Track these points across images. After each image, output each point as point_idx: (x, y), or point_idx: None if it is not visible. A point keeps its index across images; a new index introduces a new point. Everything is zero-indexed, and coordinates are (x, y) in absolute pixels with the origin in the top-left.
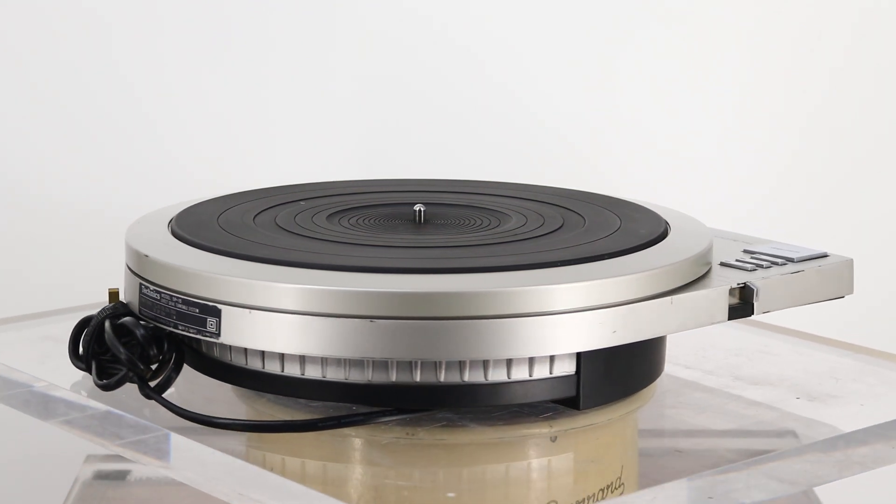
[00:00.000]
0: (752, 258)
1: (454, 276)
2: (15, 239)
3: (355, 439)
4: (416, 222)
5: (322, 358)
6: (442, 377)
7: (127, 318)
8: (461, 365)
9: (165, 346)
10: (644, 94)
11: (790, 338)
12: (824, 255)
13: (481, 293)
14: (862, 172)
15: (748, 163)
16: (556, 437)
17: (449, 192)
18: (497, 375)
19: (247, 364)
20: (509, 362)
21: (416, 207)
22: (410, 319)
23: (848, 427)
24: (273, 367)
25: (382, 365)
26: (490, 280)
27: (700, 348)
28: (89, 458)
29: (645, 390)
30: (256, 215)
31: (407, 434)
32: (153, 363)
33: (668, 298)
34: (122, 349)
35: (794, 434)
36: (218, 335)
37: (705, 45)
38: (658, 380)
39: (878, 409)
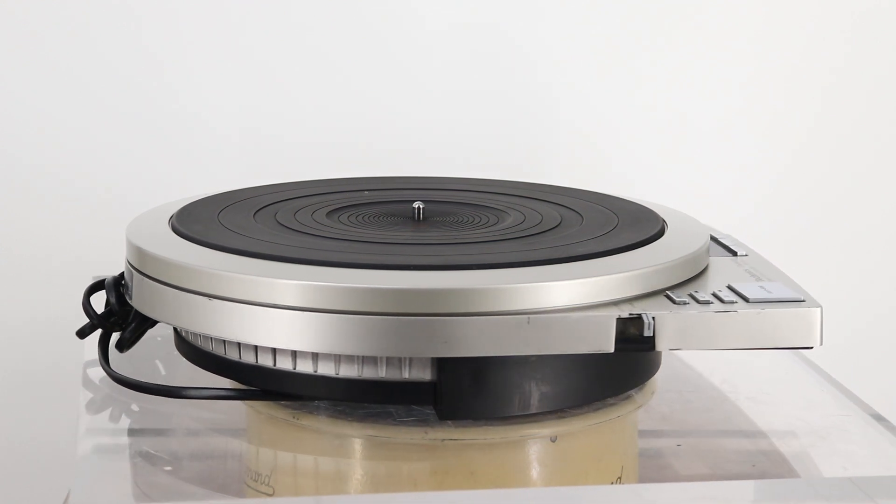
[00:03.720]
0: (711, 293)
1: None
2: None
3: (356, 439)
4: (415, 219)
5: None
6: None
7: (109, 278)
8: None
9: (132, 312)
10: (646, 94)
11: (823, 384)
12: (799, 301)
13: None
14: (865, 174)
15: (752, 164)
16: (556, 438)
17: (449, 189)
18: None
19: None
20: (361, 360)
21: (416, 205)
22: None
23: None
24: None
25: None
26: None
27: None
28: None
29: (645, 391)
30: (257, 211)
31: (404, 435)
32: (118, 323)
33: (524, 317)
34: (90, 304)
35: (794, 434)
36: None
37: (706, 43)
38: (659, 380)
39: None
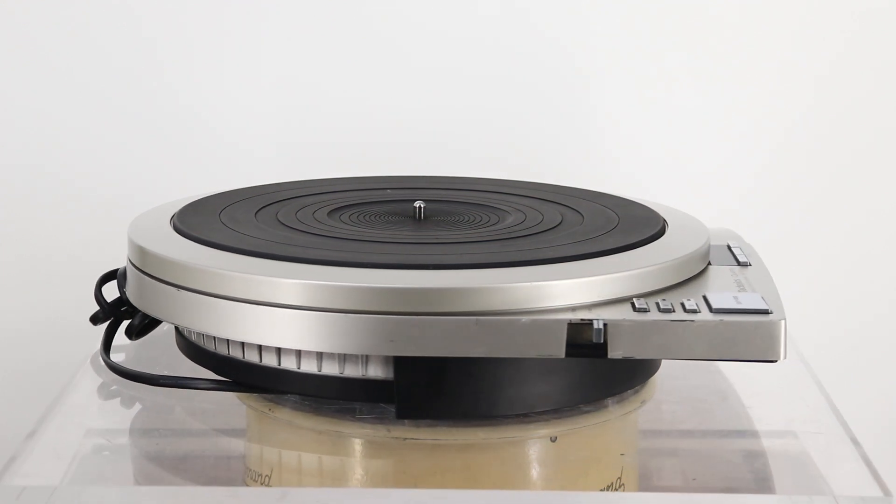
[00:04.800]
0: (680, 302)
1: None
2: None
3: (355, 439)
4: (416, 219)
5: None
6: None
7: (121, 268)
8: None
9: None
10: (652, 93)
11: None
12: (764, 312)
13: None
14: (870, 172)
15: (764, 163)
16: (556, 438)
17: (450, 189)
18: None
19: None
20: (320, 356)
21: (416, 204)
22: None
23: None
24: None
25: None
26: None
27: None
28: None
29: (645, 390)
30: (258, 210)
31: (405, 433)
32: (128, 311)
33: (472, 319)
34: (101, 293)
35: (794, 435)
36: None
37: (708, 43)
38: (659, 380)
39: None
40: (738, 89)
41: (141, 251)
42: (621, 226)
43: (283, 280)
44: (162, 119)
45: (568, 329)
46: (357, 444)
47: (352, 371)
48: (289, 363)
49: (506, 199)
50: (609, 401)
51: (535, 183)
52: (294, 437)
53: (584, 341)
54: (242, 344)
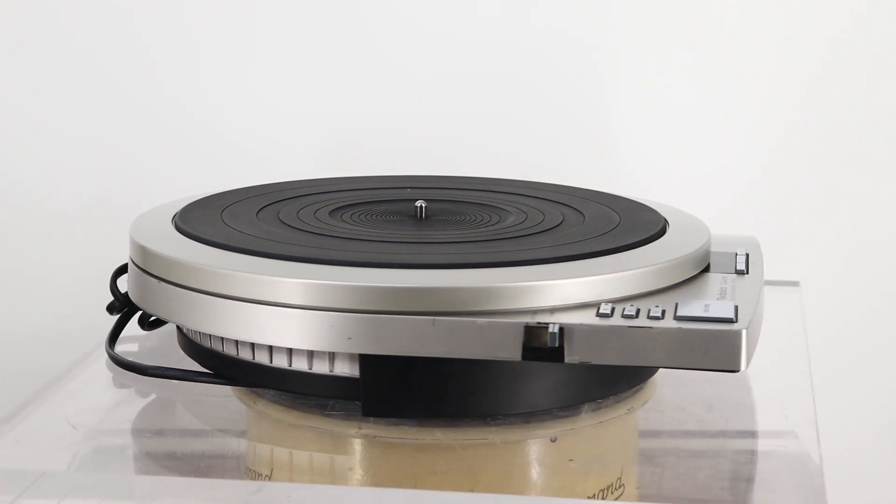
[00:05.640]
0: (648, 308)
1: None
2: None
3: (356, 439)
4: (417, 218)
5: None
6: None
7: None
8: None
9: None
10: (648, 93)
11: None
12: (725, 321)
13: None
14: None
15: (755, 165)
16: (556, 438)
17: (451, 188)
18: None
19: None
20: (290, 352)
21: (418, 204)
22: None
23: None
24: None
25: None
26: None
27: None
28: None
29: (645, 390)
30: (259, 210)
31: (405, 434)
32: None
33: (429, 318)
34: (116, 285)
35: (794, 434)
36: None
37: (707, 42)
38: (659, 380)
39: None
40: (738, 89)
41: (142, 250)
42: (619, 229)
43: (247, 275)
44: (162, 119)
45: (525, 332)
46: (326, 440)
47: (320, 367)
48: (262, 358)
49: (514, 200)
50: (608, 401)
51: (550, 184)
52: (274, 432)
53: (542, 345)
54: (222, 339)
